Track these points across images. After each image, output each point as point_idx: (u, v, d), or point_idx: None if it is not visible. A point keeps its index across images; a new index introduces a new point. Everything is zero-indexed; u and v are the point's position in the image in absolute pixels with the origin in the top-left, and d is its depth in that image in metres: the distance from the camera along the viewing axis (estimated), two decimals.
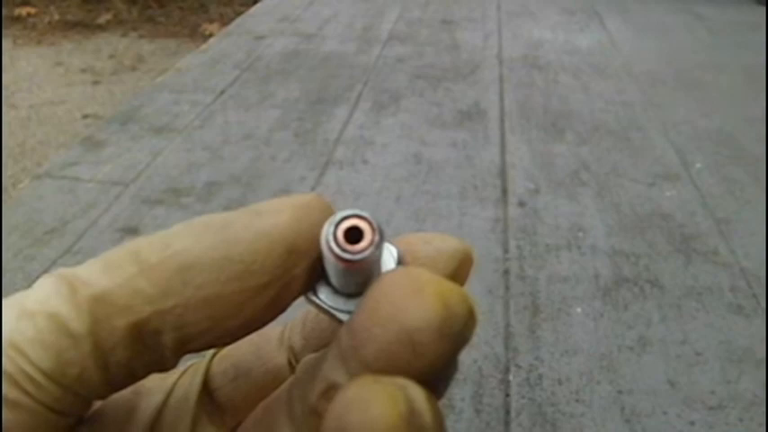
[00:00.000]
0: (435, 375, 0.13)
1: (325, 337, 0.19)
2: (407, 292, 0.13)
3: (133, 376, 0.15)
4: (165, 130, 1.74)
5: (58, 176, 1.51)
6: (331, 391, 0.14)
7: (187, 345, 0.15)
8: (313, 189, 1.48)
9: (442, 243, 0.17)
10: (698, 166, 1.64)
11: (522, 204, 1.46)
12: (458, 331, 0.13)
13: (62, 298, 0.14)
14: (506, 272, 1.24)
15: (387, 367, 0.13)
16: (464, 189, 1.50)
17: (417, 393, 0.13)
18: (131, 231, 1.31)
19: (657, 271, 1.26)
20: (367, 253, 0.14)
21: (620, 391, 1.00)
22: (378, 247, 0.15)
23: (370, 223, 0.15)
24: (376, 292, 0.14)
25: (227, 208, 1.40)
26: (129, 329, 0.14)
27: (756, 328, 1.12)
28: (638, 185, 1.55)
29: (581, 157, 1.67)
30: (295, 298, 0.16)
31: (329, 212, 0.16)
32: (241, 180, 1.51)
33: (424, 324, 0.13)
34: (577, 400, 0.98)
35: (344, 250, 0.15)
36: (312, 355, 0.17)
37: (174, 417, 0.18)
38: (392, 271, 0.14)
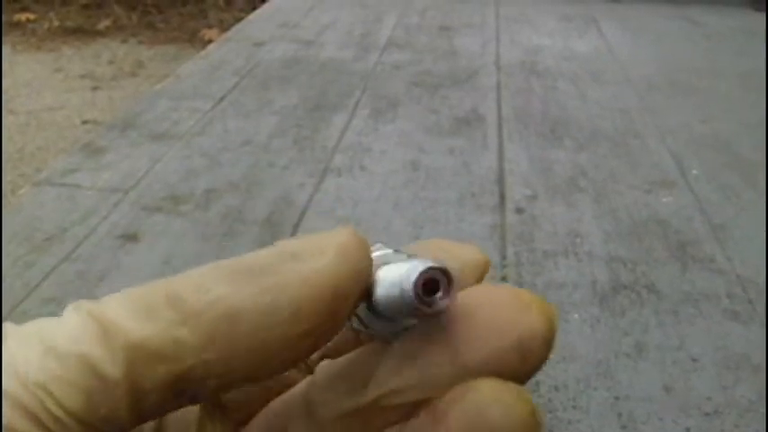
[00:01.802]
0: (526, 380, 0.15)
1: (338, 341, 0.20)
2: (519, 308, 0.15)
3: (164, 413, 0.15)
4: (165, 136, 1.75)
5: (57, 183, 1.52)
6: (391, 396, 0.16)
7: (228, 389, 0.15)
8: (311, 196, 1.49)
9: (468, 255, 0.18)
10: (694, 172, 1.65)
11: (519, 211, 1.46)
12: (553, 342, 0.15)
13: (95, 340, 0.14)
14: (504, 278, 1.25)
15: (494, 372, 0.15)
16: (462, 196, 1.51)
17: (529, 395, 0.15)
18: (130, 238, 1.32)
19: (654, 277, 1.26)
20: (444, 304, 0.15)
21: (616, 398, 1.00)
22: (453, 296, 0.15)
23: (445, 273, 0.15)
24: (486, 308, 0.15)
25: (225, 215, 1.41)
26: (168, 377, 0.14)
27: (753, 334, 1.13)
28: (636, 192, 1.55)
29: (579, 164, 1.67)
30: (336, 333, 0.16)
31: (366, 250, 0.16)
32: (240, 187, 1.52)
33: (535, 335, 0.15)
34: (574, 407, 0.99)
35: (424, 303, 0.15)
36: (329, 361, 0.18)
37: (180, 416, 0.19)
38: (492, 288, 0.16)
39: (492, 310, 0.15)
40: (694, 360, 1.07)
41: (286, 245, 0.15)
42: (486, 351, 0.15)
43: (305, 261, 0.15)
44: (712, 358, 1.08)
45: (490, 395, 0.14)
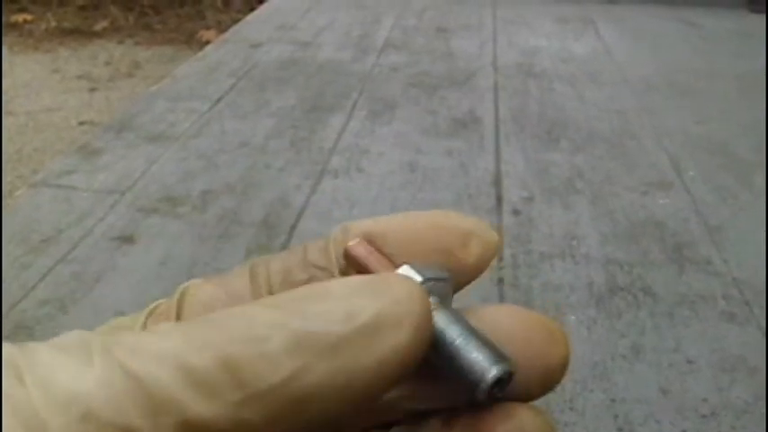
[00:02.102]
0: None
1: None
2: (549, 340, 0.17)
3: None
4: (161, 138, 1.75)
5: (53, 185, 1.51)
6: (410, 398, 0.17)
7: None
8: (308, 198, 1.49)
9: (480, 232, 0.19)
10: (691, 173, 1.65)
11: (516, 213, 1.46)
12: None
13: (143, 412, 0.12)
14: (500, 280, 1.25)
15: (518, 393, 0.16)
16: (459, 197, 1.51)
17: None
18: (127, 240, 1.32)
19: (651, 279, 1.26)
20: (501, 395, 0.16)
21: (613, 400, 1.01)
22: (508, 389, 0.16)
23: (510, 374, 0.16)
24: (518, 336, 0.17)
25: (222, 217, 1.40)
26: None
27: (749, 336, 1.13)
28: (632, 193, 1.55)
29: (575, 165, 1.68)
30: None
31: (429, 311, 0.15)
32: (236, 189, 1.51)
33: (559, 362, 0.17)
34: (571, 409, 0.99)
35: (491, 397, 0.16)
36: None
37: None
38: (523, 314, 0.17)
39: (524, 340, 0.17)
40: (690, 362, 1.08)
41: (357, 308, 0.14)
42: (519, 377, 0.16)
43: (381, 336, 0.14)
44: (708, 360, 1.08)
45: (533, 423, 0.16)
